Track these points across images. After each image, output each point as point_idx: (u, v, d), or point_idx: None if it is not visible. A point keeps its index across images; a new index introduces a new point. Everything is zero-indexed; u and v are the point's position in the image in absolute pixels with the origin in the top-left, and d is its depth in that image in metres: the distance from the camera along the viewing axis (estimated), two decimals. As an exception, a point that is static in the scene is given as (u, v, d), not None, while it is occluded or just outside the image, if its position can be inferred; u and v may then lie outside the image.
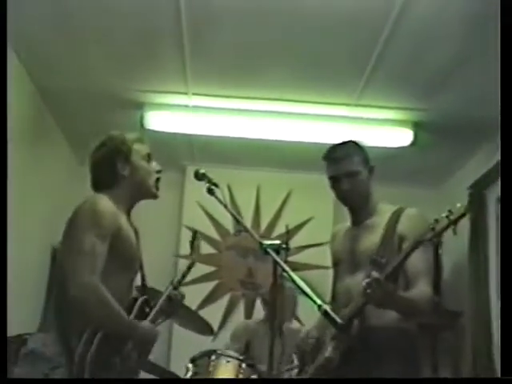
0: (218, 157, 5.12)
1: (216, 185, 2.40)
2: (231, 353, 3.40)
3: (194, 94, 4.37)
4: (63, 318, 2.25)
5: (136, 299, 2.48)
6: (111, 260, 2.29)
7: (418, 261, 2.43)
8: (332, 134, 4.53)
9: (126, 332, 2.31)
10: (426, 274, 2.55)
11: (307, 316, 3.44)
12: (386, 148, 4.70)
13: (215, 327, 4.16)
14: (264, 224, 5.48)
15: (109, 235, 2.30)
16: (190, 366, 3.24)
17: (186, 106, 4.51)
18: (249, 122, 4.64)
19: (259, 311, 5.19)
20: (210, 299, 5.33)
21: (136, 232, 2.51)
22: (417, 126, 4.59)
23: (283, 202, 5.51)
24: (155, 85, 4.35)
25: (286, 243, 2.24)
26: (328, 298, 2.83)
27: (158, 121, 4.62)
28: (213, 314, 4.36)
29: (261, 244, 2.18)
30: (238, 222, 2.42)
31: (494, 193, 4.66)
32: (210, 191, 2.40)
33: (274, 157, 5.19)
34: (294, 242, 5.20)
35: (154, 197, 2.57)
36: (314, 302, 1.97)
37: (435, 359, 4.98)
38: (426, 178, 5.31)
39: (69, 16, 3.53)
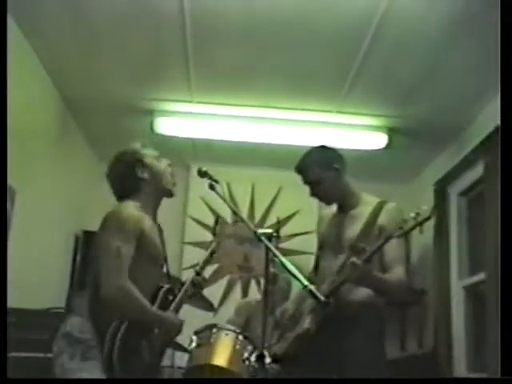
0: (218, 157, 5.13)
1: (216, 181, 2.40)
2: (230, 327, 3.40)
3: (197, 102, 4.38)
4: (96, 313, 2.24)
5: (160, 287, 2.47)
6: (139, 259, 2.28)
7: (394, 249, 2.46)
8: (317, 137, 4.54)
9: (154, 324, 2.33)
10: (400, 260, 2.59)
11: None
12: (363, 150, 4.74)
13: (215, 305, 4.17)
14: (258, 216, 5.49)
15: (133, 238, 2.28)
16: (194, 337, 3.23)
17: (190, 113, 4.52)
18: (245, 127, 4.65)
19: (254, 291, 5.23)
20: (210, 281, 5.32)
21: (160, 229, 2.49)
22: (391, 131, 4.61)
23: (274, 197, 5.55)
24: (163, 94, 4.36)
25: (277, 232, 2.24)
26: (311, 274, 2.87)
27: (165, 125, 4.62)
28: (213, 294, 4.35)
29: (255, 233, 2.19)
30: (235, 213, 2.42)
31: (455, 189, 4.70)
32: (211, 187, 2.40)
33: (267, 157, 5.20)
34: (284, 231, 5.23)
35: (171, 194, 2.54)
36: (301, 282, 1.99)
37: (403, 331, 5.01)
38: (397, 176, 5.33)
39: (89, 31, 3.54)
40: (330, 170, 2.73)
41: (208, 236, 5.45)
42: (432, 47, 3.54)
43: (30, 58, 3.76)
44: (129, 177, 2.45)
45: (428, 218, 2.20)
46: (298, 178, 2.82)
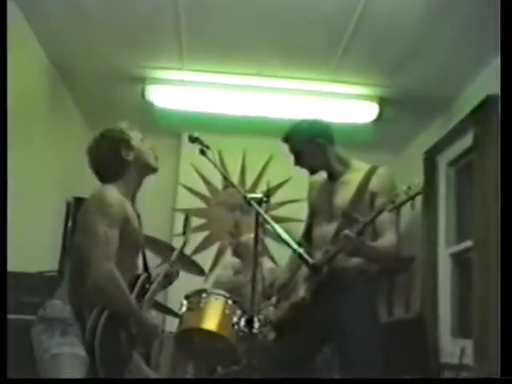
0: (209, 125, 5.08)
1: (207, 146, 2.38)
2: (219, 291, 3.42)
3: (188, 69, 4.33)
4: (77, 296, 2.22)
5: (139, 276, 2.46)
6: (121, 245, 2.26)
7: (385, 216, 2.46)
8: (308, 106, 4.53)
9: (132, 316, 2.30)
10: (392, 226, 2.59)
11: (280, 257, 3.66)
12: (354, 121, 4.74)
13: (206, 270, 4.18)
14: (249, 183, 5.48)
15: (118, 223, 2.26)
16: (185, 302, 3.25)
17: (182, 81, 4.47)
18: (236, 95, 4.60)
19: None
20: (201, 247, 5.35)
21: (139, 216, 2.46)
22: (382, 101, 4.60)
23: (265, 165, 5.53)
24: (155, 61, 4.30)
25: (267, 197, 2.24)
26: (301, 239, 2.89)
27: (156, 93, 4.56)
28: (204, 260, 4.36)
29: (245, 197, 2.19)
30: (225, 178, 2.42)
31: (445, 158, 4.70)
32: (202, 152, 2.39)
33: (258, 126, 5.17)
34: (274, 199, 5.24)
35: (155, 171, 2.50)
36: (290, 246, 1.99)
37: (390, 297, 5.06)
38: (387, 146, 5.32)
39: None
40: (313, 144, 2.74)
41: (198, 203, 5.48)
42: (422, 18, 3.51)
43: (22, 27, 3.69)
44: (113, 157, 2.39)
45: (419, 193, 2.20)
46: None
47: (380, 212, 2.33)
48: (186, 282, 3.57)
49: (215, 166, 2.34)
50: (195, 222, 5.36)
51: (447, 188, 4.70)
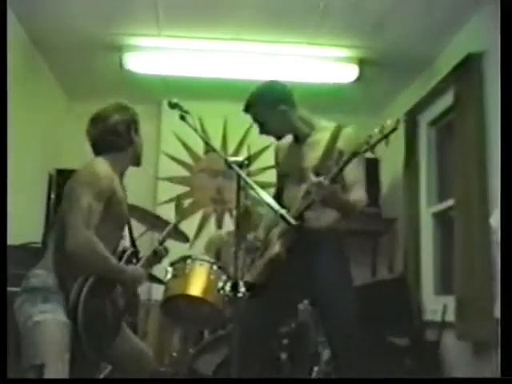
0: (189, 92, 5.01)
1: (187, 112, 2.34)
2: (204, 257, 3.43)
3: (165, 35, 4.25)
4: (61, 265, 2.23)
5: (125, 251, 2.47)
6: (105, 219, 2.27)
7: (354, 171, 2.46)
8: (288, 70, 4.49)
9: (117, 276, 2.33)
10: (360, 182, 2.61)
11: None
12: (334, 82, 4.69)
13: (191, 237, 4.17)
14: (231, 150, 5.44)
15: (105, 197, 2.27)
16: (169, 269, 3.25)
17: (159, 48, 4.39)
18: (215, 61, 4.52)
19: (228, 224, 5.24)
20: (185, 215, 5.32)
21: (125, 192, 2.48)
22: (362, 62, 4.55)
23: (247, 131, 5.47)
24: (131, 28, 4.21)
25: (248, 159, 2.22)
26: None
27: (134, 61, 4.49)
28: (188, 228, 4.34)
29: (226, 160, 2.17)
30: (206, 143, 2.38)
31: (425, 118, 4.70)
32: (182, 118, 2.35)
33: (238, 92, 5.07)
34: (256, 165, 5.23)
35: (139, 164, 2.59)
36: (272, 207, 1.99)
37: (373, 259, 5.11)
38: (368, 107, 5.29)
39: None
40: (275, 112, 2.72)
41: (181, 171, 5.45)
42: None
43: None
44: (123, 129, 2.44)
45: (394, 130, 2.18)
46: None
47: (354, 155, 2.31)
48: (171, 249, 3.57)
49: (195, 130, 2.31)
50: (178, 189, 5.35)
51: (428, 148, 4.71)
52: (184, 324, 3.46)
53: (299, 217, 2.49)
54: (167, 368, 3.90)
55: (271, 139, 5.10)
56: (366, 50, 4.43)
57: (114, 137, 2.43)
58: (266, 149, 5.38)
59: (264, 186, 2.10)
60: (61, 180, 4.87)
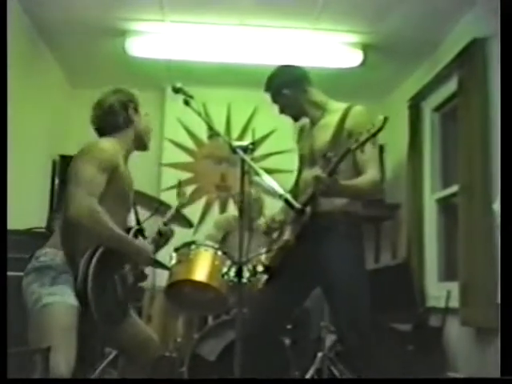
0: (193, 78, 4.98)
1: (191, 96, 2.34)
2: (208, 243, 3.43)
3: (170, 20, 4.22)
4: (68, 241, 2.23)
5: (130, 229, 2.46)
6: (109, 194, 2.27)
7: (367, 152, 2.44)
8: (292, 55, 4.45)
9: (124, 247, 2.30)
10: (373, 161, 2.58)
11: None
12: (338, 68, 4.67)
13: (194, 224, 4.17)
14: (235, 135, 5.42)
15: (108, 169, 2.27)
16: (174, 254, 3.26)
17: (163, 33, 4.36)
18: (219, 46, 4.50)
19: (232, 211, 5.23)
20: (189, 201, 5.31)
21: (129, 174, 2.47)
22: (366, 48, 4.52)
23: (250, 117, 5.46)
24: (135, 13, 4.17)
25: (253, 144, 2.21)
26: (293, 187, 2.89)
27: (138, 47, 4.46)
28: (192, 214, 4.34)
29: (230, 145, 2.16)
30: (210, 127, 2.37)
31: (429, 104, 4.67)
32: (186, 102, 2.34)
33: (242, 77, 5.09)
34: (260, 151, 5.21)
35: (145, 148, 2.58)
36: (276, 191, 1.98)
37: (377, 245, 5.11)
38: (372, 93, 5.26)
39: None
40: (285, 92, 2.75)
41: (185, 157, 5.44)
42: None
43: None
44: (120, 109, 2.45)
45: (380, 129, 2.19)
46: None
47: (346, 152, 2.32)
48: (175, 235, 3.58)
49: (199, 115, 2.30)
50: (182, 176, 5.34)
51: (432, 134, 4.68)
52: (188, 309, 3.47)
53: (307, 204, 2.47)
54: (171, 353, 3.92)
55: (275, 124, 5.19)
56: (371, 36, 4.40)
57: (111, 116, 2.45)
58: (270, 134, 5.38)
59: (268, 172, 2.08)
60: (64, 166, 4.88)
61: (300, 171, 2.87)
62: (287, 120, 2.90)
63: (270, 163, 5.15)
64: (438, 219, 4.56)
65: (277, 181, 2.13)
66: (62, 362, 2.01)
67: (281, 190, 1.97)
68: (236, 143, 2.17)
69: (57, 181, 4.97)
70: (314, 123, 2.77)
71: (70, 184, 2.23)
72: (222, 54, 4.58)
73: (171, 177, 5.30)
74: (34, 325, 2.12)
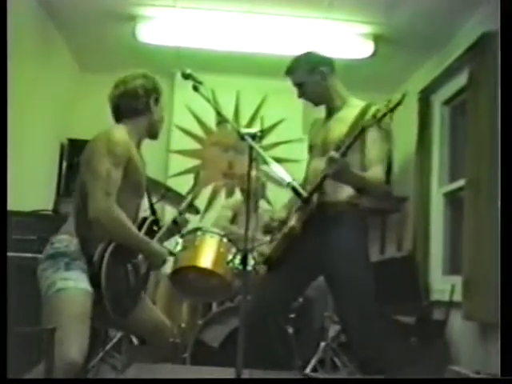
0: (203, 65, 4.95)
1: (200, 82, 2.33)
2: (214, 230, 3.43)
3: (181, 7, 4.20)
4: (83, 229, 2.25)
5: (146, 219, 2.48)
6: (124, 187, 2.28)
7: (375, 150, 2.45)
8: (303, 44, 4.43)
9: (140, 246, 2.35)
10: (380, 161, 2.60)
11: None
12: (349, 59, 4.63)
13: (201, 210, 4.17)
14: (243, 124, 5.41)
15: (122, 163, 2.28)
16: (180, 240, 3.25)
17: (174, 19, 4.35)
18: (229, 34, 4.49)
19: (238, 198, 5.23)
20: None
21: (143, 161, 2.48)
22: (377, 39, 4.50)
23: (259, 105, 5.44)
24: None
25: (261, 131, 2.21)
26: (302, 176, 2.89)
27: (148, 32, 4.46)
28: (199, 200, 4.35)
29: (238, 132, 2.16)
30: (219, 114, 2.37)
31: (439, 97, 4.65)
32: (195, 88, 2.34)
33: (252, 65, 5.08)
34: (268, 140, 5.21)
35: (155, 137, 2.57)
36: (283, 178, 1.99)
37: (383, 237, 5.11)
38: (382, 84, 5.23)
39: None
40: (314, 73, 2.75)
41: (193, 144, 5.44)
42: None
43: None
44: (142, 97, 2.44)
45: (398, 104, 2.21)
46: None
47: (363, 129, 2.33)
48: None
49: (208, 101, 2.30)
50: (190, 162, 5.35)
51: (441, 127, 4.67)
52: (192, 295, 3.48)
53: (314, 191, 2.49)
54: (175, 338, 3.94)
55: (283, 115, 5.18)
56: (382, 27, 4.38)
57: (133, 99, 2.43)
58: (278, 124, 5.36)
59: (276, 161, 2.08)
60: (72, 149, 4.90)
61: (309, 162, 2.87)
62: (296, 110, 2.90)
63: (277, 152, 5.15)
64: (445, 213, 4.55)
65: (286, 170, 2.14)
66: (74, 346, 2.01)
67: (288, 178, 1.98)
68: (244, 130, 2.17)
69: (65, 164, 4.99)
70: (331, 114, 2.78)
71: (87, 182, 2.25)
72: (231, 41, 4.57)
73: (179, 163, 5.32)
74: (49, 309, 2.12)
